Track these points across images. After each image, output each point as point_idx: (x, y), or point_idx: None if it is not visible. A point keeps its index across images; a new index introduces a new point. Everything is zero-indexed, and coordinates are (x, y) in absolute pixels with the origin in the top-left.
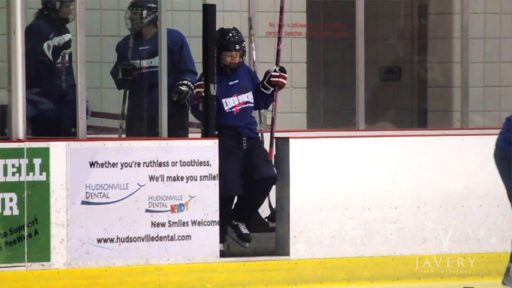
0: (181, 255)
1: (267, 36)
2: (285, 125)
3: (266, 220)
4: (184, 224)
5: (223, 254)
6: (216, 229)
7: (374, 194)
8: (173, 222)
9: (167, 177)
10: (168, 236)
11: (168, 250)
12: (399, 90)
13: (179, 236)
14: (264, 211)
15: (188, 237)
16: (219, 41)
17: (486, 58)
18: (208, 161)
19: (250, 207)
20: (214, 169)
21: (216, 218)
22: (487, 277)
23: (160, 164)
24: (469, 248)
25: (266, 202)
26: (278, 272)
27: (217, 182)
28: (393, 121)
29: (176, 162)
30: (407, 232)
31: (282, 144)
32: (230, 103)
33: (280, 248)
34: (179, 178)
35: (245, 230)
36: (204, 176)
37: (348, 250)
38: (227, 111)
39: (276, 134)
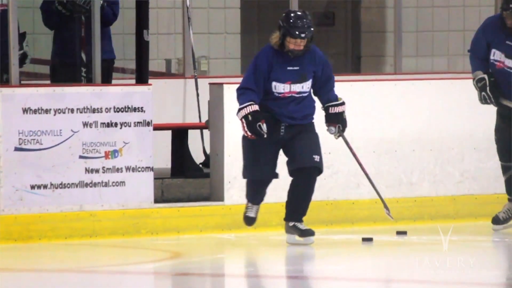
0: (115, 201)
1: None
2: (220, 70)
3: (200, 166)
4: (118, 170)
5: (157, 200)
6: (150, 175)
7: None
8: (107, 169)
9: (101, 123)
10: (102, 182)
11: (102, 196)
12: (332, 36)
13: (113, 182)
14: (198, 157)
15: (122, 183)
16: (284, 25)
17: (419, 3)
18: (142, 107)
19: (297, 201)
20: (148, 115)
21: (151, 164)
22: (419, 221)
23: (93, 110)
24: (402, 192)
25: (200, 147)
26: (212, 218)
27: (151, 128)
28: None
29: (110, 108)
30: (341, 177)
31: (216, 90)
32: (280, 88)
33: (215, 193)
34: (113, 124)
35: (304, 227)
36: (138, 122)
37: (282, 195)
38: (275, 94)
39: (211, 80)
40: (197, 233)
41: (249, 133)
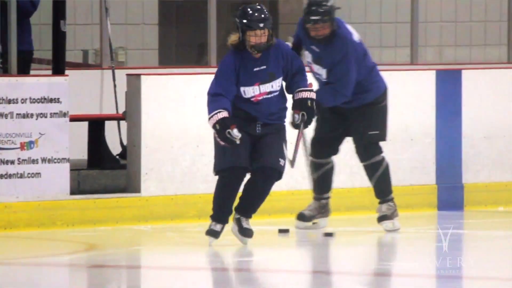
0: (30, 193)
1: None
2: (137, 62)
3: (117, 157)
4: (34, 161)
5: (73, 191)
6: (66, 166)
7: None
8: (22, 160)
9: (17, 114)
10: (17, 173)
11: (17, 187)
12: None
13: (29, 173)
14: (115, 148)
15: (38, 174)
16: (241, 20)
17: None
18: (58, 98)
19: (251, 199)
20: (65, 106)
21: (67, 155)
22: (336, 212)
23: (9, 101)
24: None
25: (117, 139)
26: (129, 209)
27: (67, 119)
28: None
29: (26, 99)
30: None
31: (134, 81)
32: (249, 92)
33: (131, 185)
34: (29, 115)
35: (246, 225)
36: (54, 113)
37: (199, 187)
38: (246, 99)
39: (128, 71)
40: (113, 224)
41: (222, 142)
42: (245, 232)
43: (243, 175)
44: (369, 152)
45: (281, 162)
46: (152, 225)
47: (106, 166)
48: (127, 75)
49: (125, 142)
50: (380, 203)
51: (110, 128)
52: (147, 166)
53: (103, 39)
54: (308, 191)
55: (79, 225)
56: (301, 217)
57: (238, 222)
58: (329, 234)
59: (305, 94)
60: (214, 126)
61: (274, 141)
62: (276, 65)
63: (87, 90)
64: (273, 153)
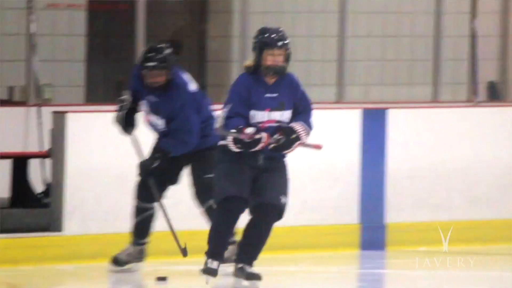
0: None
1: (48, 9)
2: (64, 99)
3: (40, 195)
4: None
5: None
6: None
7: None
8: None
9: None
10: None
11: None
12: (179, 64)
13: None
14: (39, 186)
15: None
16: (259, 39)
17: None
18: None
19: (252, 244)
20: None
21: None
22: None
23: None
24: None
25: (41, 177)
26: (51, 248)
27: None
28: None
29: None
30: (182, 207)
31: (59, 118)
32: (258, 117)
33: (54, 224)
34: None
35: (251, 270)
36: None
37: (123, 226)
38: (255, 125)
39: (54, 108)
40: (36, 264)
41: (237, 145)
42: (254, 277)
43: (243, 208)
44: (205, 197)
45: (282, 200)
46: (75, 265)
47: (29, 205)
48: (53, 112)
49: (48, 181)
50: None
51: (34, 166)
52: (70, 204)
53: (29, 76)
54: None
55: (0, 265)
56: (116, 261)
57: (242, 270)
58: (162, 279)
59: (298, 127)
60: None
61: (276, 177)
62: (287, 96)
63: (11, 127)
64: (275, 190)
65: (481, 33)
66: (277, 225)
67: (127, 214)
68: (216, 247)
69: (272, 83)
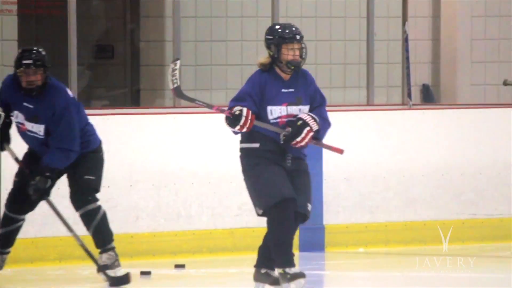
0: None
1: None
2: None
3: None
4: None
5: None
6: None
7: None
8: None
9: None
10: None
11: None
12: (112, 69)
13: None
14: None
15: None
16: (275, 35)
17: (198, 37)
18: None
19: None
20: None
21: None
22: (198, 254)
23: None
24: (180, 225)
25: None
26: None
27: None
28: (107, 100)
29: None
30: (120, 210)
31: None
32: (276, 112)
33: None
34: None
35: (294, 270)
36: None
37: (60, 229)
38: (271, 121)
39: None
40: None
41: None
42: (299, 275)
43: (295, 208)
44: (84, 199)
45: (309, 208)
46: (12, 268)
47: None
48: None
49: None
50: (101, 252)
51: None
52: None
53: None
54: (172, 233)
55: None
56: None
57: (267, 275)
58: (146, 273)
59: (301, 114)
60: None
61: (305, 184)
62: (303, 91)
63: None
64: (303, 197)
65: (413, 37)
66: (216, 227)
67: (65, 217)
68: (288, 254)
69: (288, 78)
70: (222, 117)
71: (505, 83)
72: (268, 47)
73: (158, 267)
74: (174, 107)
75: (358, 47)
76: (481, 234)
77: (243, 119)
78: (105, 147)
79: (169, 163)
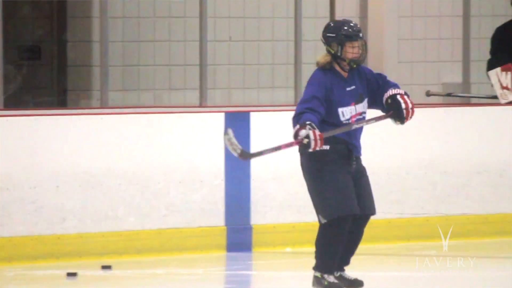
0: None
1: None
2: None
3: None
4: None
5: None
6: None
7: (10, 173)
8: None
9: None
10: None
11: None
12: (39, 69)
13: None
14: None
15: None
16: (337, 33)
17: (125, 37)
18: None
19: (353, 248)
20: None
21: None
22: (125, 255)
23: None
24: (108, 226)
25: None
26: None
27: None
28: (34, 101)
29: None
30: (46, 211)
31: None
32: (347, 113)
33: None
34: None
35: (352, 276)
36: None
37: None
38: (344, 122)
39: None
40: None
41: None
42: (358, 283)
43: (359, 212)
44: None
45: (375, 206)
46: None
47: None
48: None
49: None
50: None
51: None
52: None
53: None
54: (98, 234)
55: None
56: None
57: (342, 278)
58: (72, 274)
59: (391, 92)
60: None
61: (368, 184)
62: (362, 85)
63: None
64: (370, 199)
65: None
66: (144, 228)
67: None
68: (331, 262)
69: (347, 76)
70: (150, 118)
71: (428, 94)
72: (329, 44)
73: (85, 268)
74: (101, 107)
75: (286, 48)
76: (407, 233)
77: (312, 143)
78: (31, 148)
79: (96, 163)
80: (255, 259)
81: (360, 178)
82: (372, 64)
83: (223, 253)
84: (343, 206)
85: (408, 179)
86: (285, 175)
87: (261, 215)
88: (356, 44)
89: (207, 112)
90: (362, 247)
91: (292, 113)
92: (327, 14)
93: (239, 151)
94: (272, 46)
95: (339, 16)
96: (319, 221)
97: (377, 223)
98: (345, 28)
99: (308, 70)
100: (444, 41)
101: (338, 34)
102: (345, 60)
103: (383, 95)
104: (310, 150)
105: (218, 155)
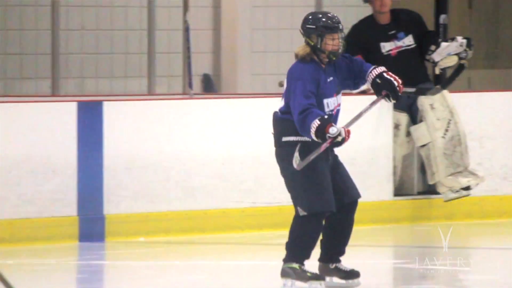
0: None
1: None
2: None
3: None
4: None
5: None
6: None
7: None
8: None
9: None
10: None
11: None
12: None
13: None
14: None
15: None
16: (317, 25)
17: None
18: None
19: (345, 237)
20: None
21: None
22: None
23: None
24: None
25: None
26: None
27: None
28: None
29: None
30: None
31: None
32: (331, 104)
33: None
34: None
35: (348, 267)
36: None
37: None
38: (328, 113)
39: None
40: None
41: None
42: (355, 274)
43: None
44: None
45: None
46: None
47: None
48: None
49: None
50: None
51: None
52: None
53: None
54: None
55: None
56: None
57: (337, 270)
58: None
59: (376, 71)
60: (317, 136)
61: (345, 171)
62: (338, 76)
63: None
64: (353, 185)
65: (194, 26)
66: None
67: None
68: (308, 253)
69: (325, 67)
70: (1, 107)
71: (281, 85)
72: (308, 36)
73: None
74: (5, 96)
75: (139, 37)
76: (260, 222)
77: (346, 139)
78: None
79: None
80: (108, 248)
81: (338, 166)
82: (225, 54)
83: (75, 243)
84: (325, 201)
85: (261, 169)
86: (138, 164)
87: (114, 204)
88: (336, 36)
89: (59, 102)
90: (215, 236)
91: (147, 103)
92: (181, 3)
93: (298, 161)
94: (126, 35)
95: (192, 6)
96: (299, 213)
97: (230, 212)
98: (325, 20)
99: (161, 60)
100: (297, 31)
101: (318, 26)
102: (324, 52)
103: (364, 77)
104: (341, 146)
105: (71, 145)
